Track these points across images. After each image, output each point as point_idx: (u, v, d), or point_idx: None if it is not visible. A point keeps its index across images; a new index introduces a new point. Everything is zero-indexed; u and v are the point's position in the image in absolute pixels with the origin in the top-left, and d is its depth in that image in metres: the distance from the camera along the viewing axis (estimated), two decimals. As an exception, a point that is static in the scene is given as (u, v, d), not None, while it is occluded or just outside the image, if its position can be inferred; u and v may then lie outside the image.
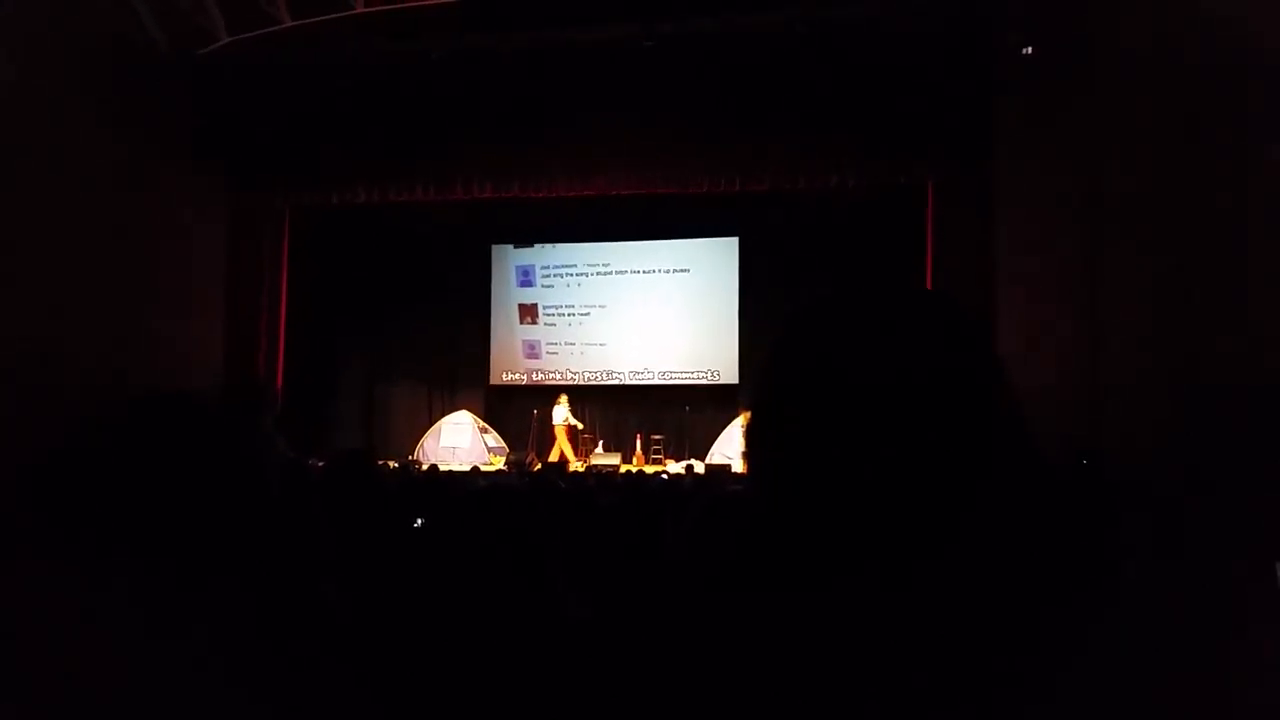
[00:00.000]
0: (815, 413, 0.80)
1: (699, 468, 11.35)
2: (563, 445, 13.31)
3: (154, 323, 9.96)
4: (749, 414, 0.89)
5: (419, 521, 2.96)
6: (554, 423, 13.46)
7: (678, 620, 0.86)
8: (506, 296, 15.03)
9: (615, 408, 14.81)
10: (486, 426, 14.11)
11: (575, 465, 12.04)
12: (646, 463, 13.14)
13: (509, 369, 14.96)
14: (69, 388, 7.24)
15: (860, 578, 0.77)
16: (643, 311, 14.63)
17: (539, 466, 11.62)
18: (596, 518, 3.21)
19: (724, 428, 13.34)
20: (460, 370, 15.04)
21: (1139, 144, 7.21)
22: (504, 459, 13.09)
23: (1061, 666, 0.74)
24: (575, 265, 14.92)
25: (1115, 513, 3.08)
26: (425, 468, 9.95)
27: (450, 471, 9.16)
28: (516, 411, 14.67)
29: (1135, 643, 0.75)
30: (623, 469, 11.51)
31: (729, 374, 14.26)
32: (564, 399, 13.55)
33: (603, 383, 14.66)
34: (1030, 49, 9.17)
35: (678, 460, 12.94)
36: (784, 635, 0.77)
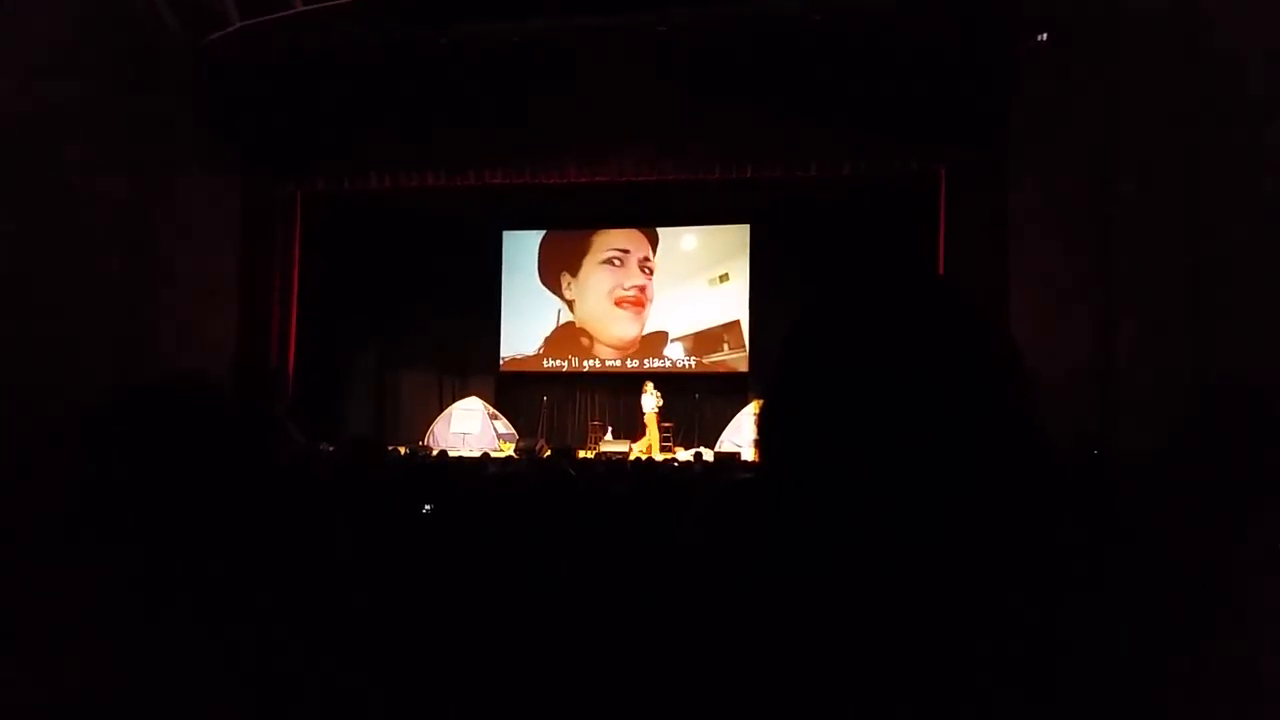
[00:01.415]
0: (825, 404, 0.80)
1: (708, 455, 11.36)
2: (652, 436, 13.09)
3: (166, 311, 10.00)
4: (761, 403, 0.89)
5: (427, 508, 2.97)
6: (644, 410, 13.25)
7: (685, 610, 0.86)
8: (517, 282, 15.05)
9: (625, 394, 14.84)
10: (496, 413, 14.15)
11: (668, 455, 11.92)
12: (657, 450, 13.16)
13: (519, 355, 14.98)
14: (81, 377, 7.28)
15: (865, 568, 0.78)
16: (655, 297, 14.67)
17: (548, 453, 11.64)
18: (605, 506, 3.22)
19: (734, 415, 13.35)
20: (471, 356, 15.07)
21: (1154, 133, 7.16)
22: (514, 445, 13.12)
23: (1064, 658, 0.74)
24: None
25: (1123, 505, 3.07)
26: (435, 453, 9.98)
27: (460, 458, 9.19)
28: (527, 398, 14.71)
29: (1139, 637, 0.75)
30: (632, 456, 11.52)
31: (739, 361, 14.27)
32: (650, 386, 13.38)
33: (611, 370, 14.69)
34: (1045, 36, 9.11)
35: (687, 448, 12.96)
36: (790, 624, 0.77)
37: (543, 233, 15.04)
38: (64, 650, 0.79)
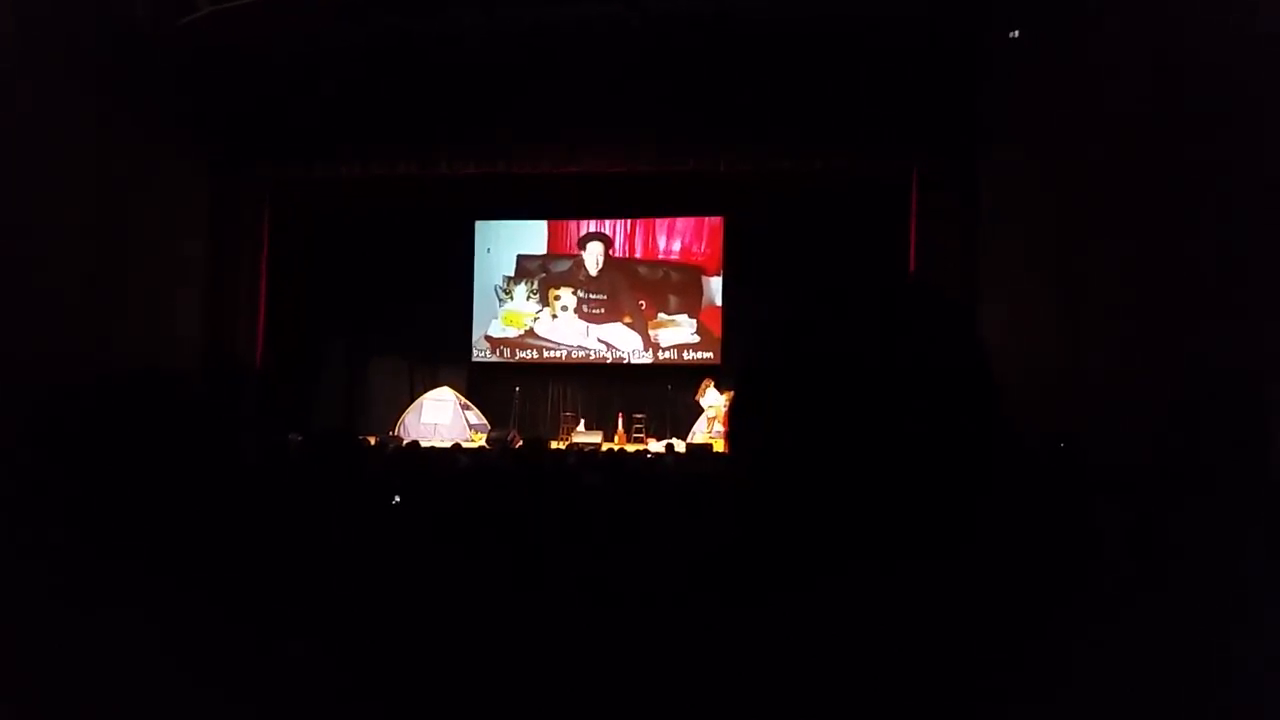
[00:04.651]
0: (799, 401, 0.80)
1: (680, 447, 11.39)
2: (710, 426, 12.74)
3: (133, 298, 9.87)
4: (733, 396, 0.90)
5: (396, 499, 2.95)
6: (710, 404, 12.84)
7: (660, 603, 0.86)
8: (489, 273, 14.99)
9: (597, 386, 14.84)
10: (468, 403, 14.08)
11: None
12: (628, 441, 13.16)
13: (491, 346, 14.93)
14: (46, 367, 7.17)
15: (840, 564, 0.78)
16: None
17: (520, 444, 11.60)
18: (579, 497, 3.21)
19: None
20: (443, 346, 14.99)
21: (1125, 133, 7.23)
22: (485, 436, 13.07)
23: (1045, 654, 0.74)
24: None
25: (1092, 499, 3.11)
26: (405, 444, 9.91)
27: (431, 448, 9.14)
28: (499, 388, 14.66)
29: (1115, 634, 0.76)
30: (604, 447, 11.53)
31: (711, 353, 14.30)
32: (712, 382, 13.00)
33: (585, 361, 14.68)
34: (1017, 33, 9.17)
35: (659, 439, 12.97)
36: (765, 622, 0.77)
37: (518, 234, 15.00)
38: (33, 640, 0.78)
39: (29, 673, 0.78)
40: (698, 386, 13.22)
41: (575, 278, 14.83)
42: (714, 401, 12.88)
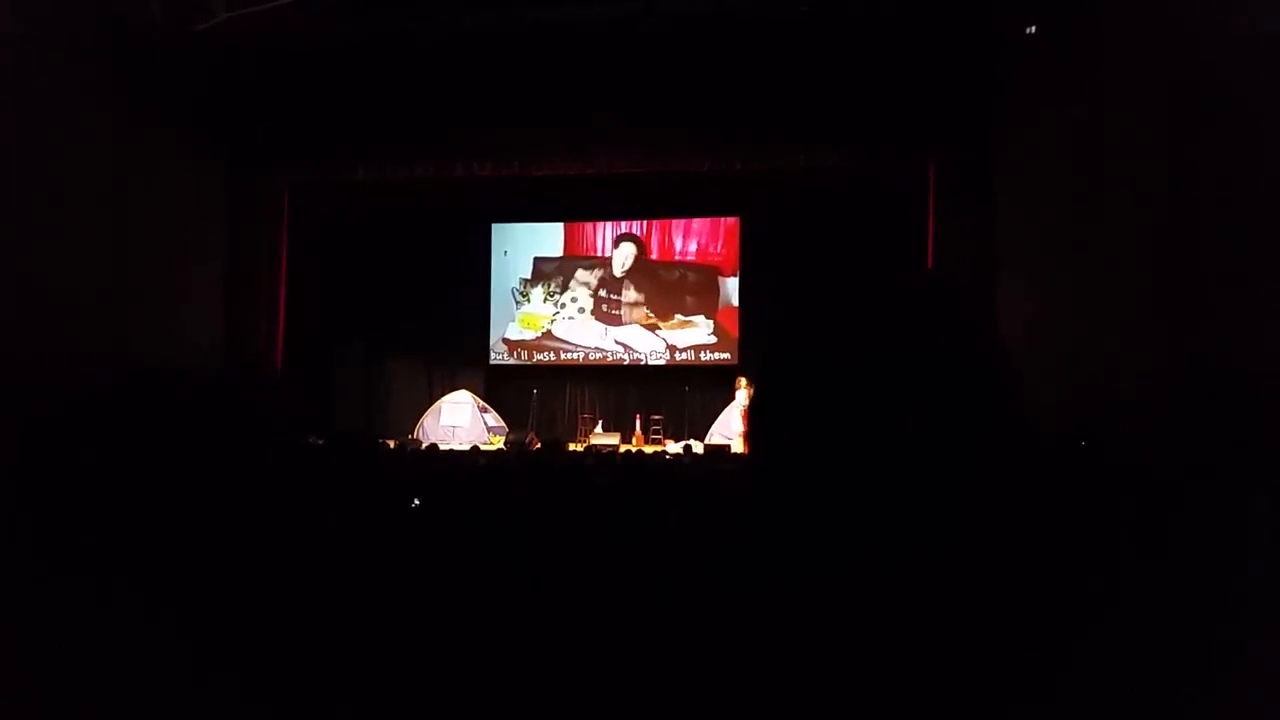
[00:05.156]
0: (818, 395, 0.80)
1: (698, 448, 11.38)
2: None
3: (150, 302, 9.94)
4: (753, 395, 0.89)
5: (416, 501, 2.96)
6: (742, 403, 12.56)
7: (674, 603, 0.86)
8: (506, 275, 15.03)
9: (615, 387, 14.84)
10: (486, 406, 14.12)
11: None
12: (646, 443, 13.16)
13: (509, 348, 14.96)
14: (65, 367, 7.23)
15: (858, 560, 0.77)
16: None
17: (539, 446, 11.62)
18: (594, 498, 3.21)
19: (723, 408, 13.36)
20: (460, 349, 15.04)
21: (1142, 128, 7.18)
22: (504, 439, 13.10)
23: (1057, 651, 0.74)
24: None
25: (1112, 497, 3.08)
26: (424, 446, 9.95)
27: (450, 450, 9.17)
28: (516, 391, 14.70)
29: (1130, 634, 0.75)
30: (622, 449, 11.53)
31: (729, 354, 14.28)
32: (744, 382, 12.82)
33: (602, 363, 14.69)
34: (1034, 28, 9.11)
35: (677, 440, 12.97)
36: (781, 617, 0.77)
37: (536, 235, 15.04)
38: (44, 635, 0.78)
39: (34, 672, 0.78)
40: (731, 386, 13.16)
41: (594, 279, 14.85)
42: (745, 402, 12.84)
